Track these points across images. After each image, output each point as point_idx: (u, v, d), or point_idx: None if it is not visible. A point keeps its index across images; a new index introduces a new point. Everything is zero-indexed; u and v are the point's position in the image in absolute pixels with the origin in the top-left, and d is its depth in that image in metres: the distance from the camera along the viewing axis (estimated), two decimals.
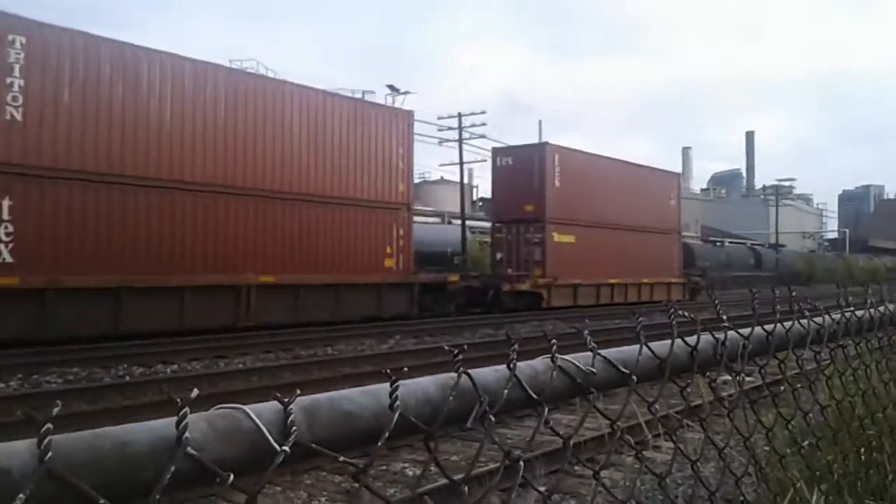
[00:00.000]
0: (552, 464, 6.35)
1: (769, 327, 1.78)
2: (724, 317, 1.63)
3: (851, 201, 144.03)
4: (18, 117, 15.31)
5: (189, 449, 0.66)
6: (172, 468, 0.64)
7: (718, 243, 55.17)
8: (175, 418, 0.65)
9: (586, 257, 27.60)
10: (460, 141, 35.31)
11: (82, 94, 16.13)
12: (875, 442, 2.83)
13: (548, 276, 26.53)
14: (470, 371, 0.98)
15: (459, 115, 36.07)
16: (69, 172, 15.79)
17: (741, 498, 1.83)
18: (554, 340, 1.14)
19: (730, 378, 1.69)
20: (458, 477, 0.93)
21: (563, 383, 1.13)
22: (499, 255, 27.70)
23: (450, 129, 36.97)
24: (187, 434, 0.65)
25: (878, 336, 2.62)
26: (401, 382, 0.86)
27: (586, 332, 1.21)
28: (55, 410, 0.61)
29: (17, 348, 13.96)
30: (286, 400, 0.75)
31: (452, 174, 45.13)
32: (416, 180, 62.36)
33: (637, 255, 30.02)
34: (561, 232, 27.16)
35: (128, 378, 12.56)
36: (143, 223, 17.00)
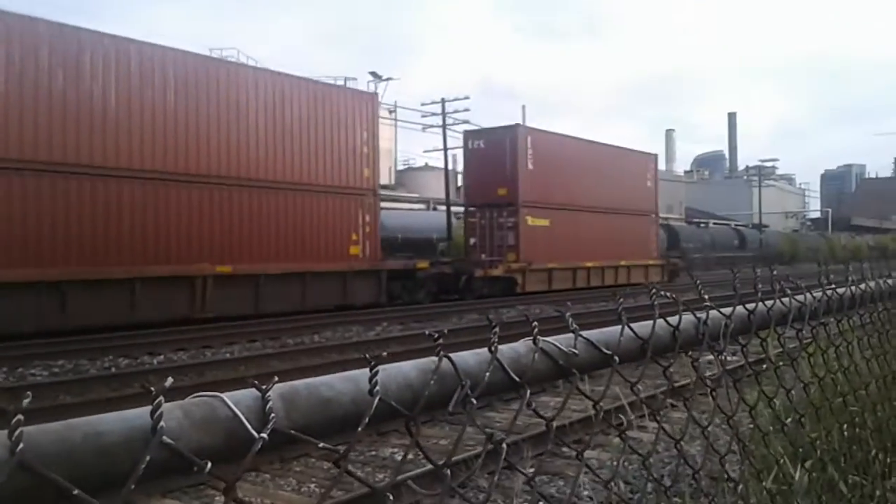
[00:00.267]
0: (540, 446, 6.39)
1: (751, 306, 1.78)
2: (706, 297, 1.64)
3: (833, 181, 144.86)
4: None
5: (164, 438, 0.65)
6: (147, 458, 0.63)
7: (703, 224, 55.49)
8: (149, 407, 0.65)
9: (561, 241, 27.27)
10: (444, 127, 35.21)
11: (19, 79, 15.40)
12: (858, 418, 2.86)
13: (522, 260, 26.18)
14: (451, 355, 0.97)
15: (443, 101, 35.96)
16: (5, 162, 15.12)
17: (725, 476, 1.85)
18: (535, 323, 1.14)
19: (713, 357, 1.70)
20: (440, 461, 0.93)
21: (545, 365, 1.12)
22: (472, 241, 27.24)
23: (433, 115, 36.89)
24: (162, 423, 0.65)
25: (860, 313, 2.64)
26: (381, 367, 0.85)
27: (568, 314, 1.21)
28: (25, 402, 0.60)
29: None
30: (264, 387, 0.74)
31: (437, 160, 45.05)
32: (401, 167, 62.37)
33: (614, 238, 29.73)
34: (535, 215, 26.77)
35: (114, 370, 12.53)
36: (88, 213, 16.30)
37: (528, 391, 1.07)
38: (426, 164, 58.01)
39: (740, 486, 2.06)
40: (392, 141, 52.55)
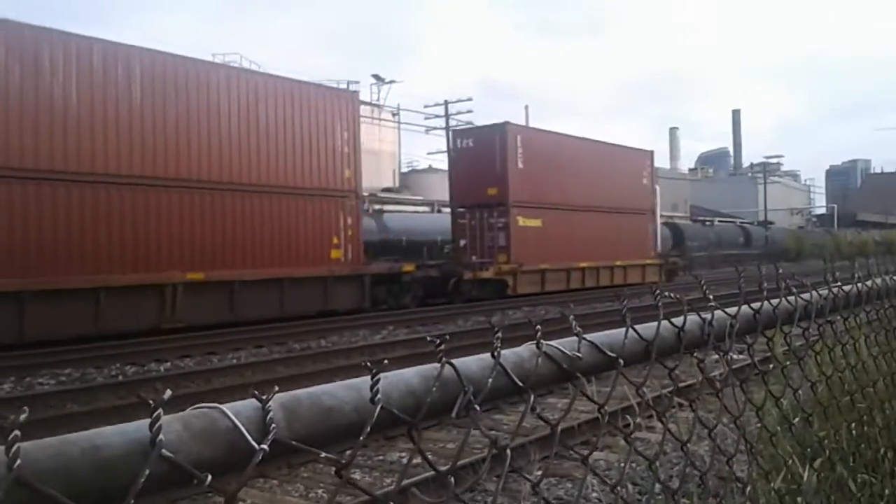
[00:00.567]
0: (547, 448, 6.37)
1: (756, 305, 1.77)
2: (711, 296, 1.63)
3: (839, 176, 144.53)
4: None
5: (164, 451, 0.64)
6: (147, 471, 0.62)
7: (708, 222, 55.34)
8: (148, 420, 0.64)
9: (554, 241, 26.63)
10: (447, 129, 35.26)
11: None
12: (866, 416, 2.84)
13: (513, 262, 25.52)
14: (453, 360, 0.96)
15: (446, 103, 36.04)
16: None
17: (734, 476, 1.83)
18: (539, 326, 1.13)
19: (718, 357, 1.68)
20: (446, 467, 0.92)
21: (548, 369, 1.11)
22: (462, 242, 26.49)
23: (436, 116, 36.96)
24: (161, 436, 0.64)
25: (867, 310, 2.62)
26: (383, 375, 0.84)
27: (571, 316, 1.21)
28: (22, 417, 0.59)
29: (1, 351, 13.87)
30: (264, 397, 0.74)
31: (441, 162, 45.09)
32: (405, 169, 62.39)
33: (609, 237, 29.06)
34: (526, 215, 26.14)
35: (121, 378, 12.55)
36: (49, 220, 15.50)
37: (532, 396, 1.06)
38: (430, 167, 58.05)
39: (748, 488, 2.05)
40: (396, 144, 52.56)
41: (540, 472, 5.00)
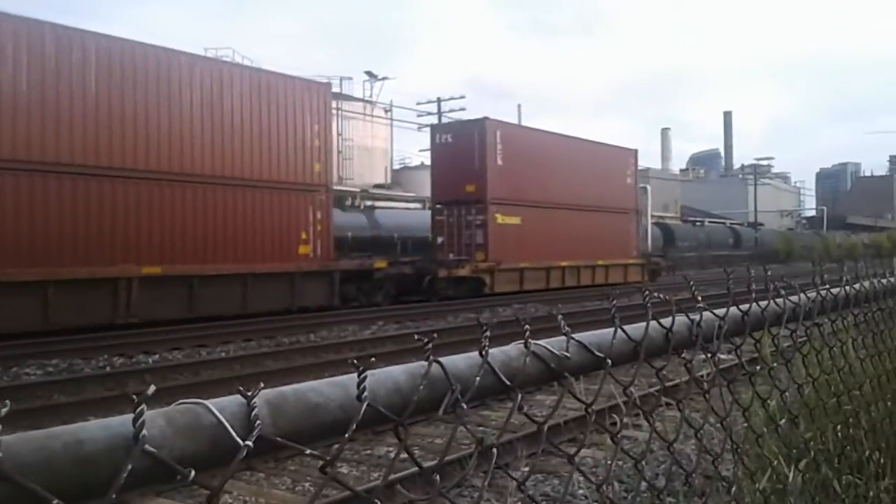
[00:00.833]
0: (534, 445, 6.38)
1: (745, 307, 1.77)
2: (699, 297, 1.63)
3: (829, 179, 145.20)
4: None
5: (146, 446, 0.64)
6: (129, 466, 0.62)
7: (698, 223, 55.53)
8: (132, 415, 0.64)
9: (533, 239, 26.09)
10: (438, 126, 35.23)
11: None
12: (852, 418, 2.85)
13: (490, 259, 24.91)
14: (441, 359, 0.96)
15: (438, 101, 36.07)
16: None
17: (719, 476, 1.84)
18: (527, 326, 1.13)
19: (706, 358, 1.68)
20: (432, 463, 0.92)
21: (536, 368, 1.11)
22: (439, 240, 25.82)
23: (429, 114, 36.98)
24: (144, 431, 0.64)
25: (854, 313, 2.63)
26: (369, 372, 0.84)
27: (560, 316, 1.20)
28: (3, 411, 0.59)
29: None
30: (250, 393, 0.73)
31: None
32: (397, 166, 62.33)
33: (590, 236, 28.51)
34: (505, 213, 25.55)
35: (108, 369, 12.49)
36: None
37: (520, 395, 1.06)
38: (422, 163, 57.98)
39: (734, 487, 2.06)
40: (388, 140, 52.48)
41: (527, 469, 5.00)
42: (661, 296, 1.51)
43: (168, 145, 17.51)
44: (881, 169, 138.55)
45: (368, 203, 30.26)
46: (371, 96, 45.72)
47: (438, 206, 26.31)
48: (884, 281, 2.87)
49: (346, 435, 0.78)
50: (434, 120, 36.25)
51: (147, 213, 17.08)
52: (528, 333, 1.11)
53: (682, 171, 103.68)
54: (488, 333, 1.02)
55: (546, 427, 1.13)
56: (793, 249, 58.71)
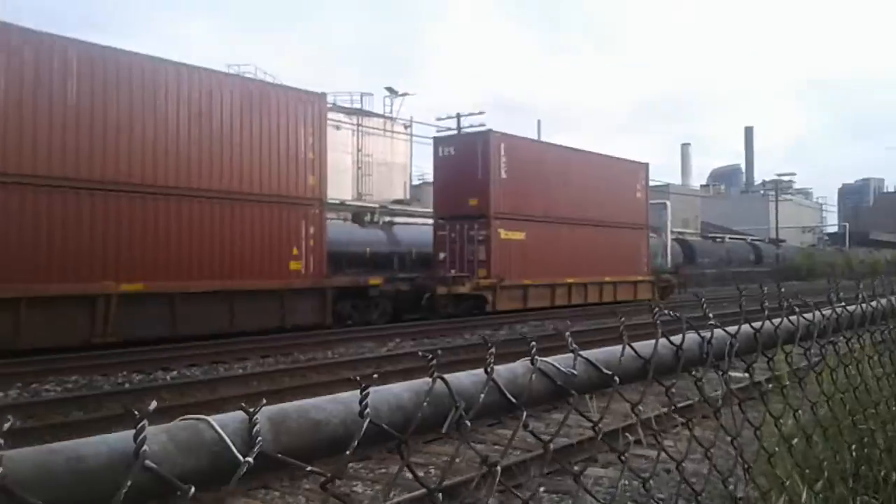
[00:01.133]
0: (552, 463, 6.33)
1: (757, 324, 1.75)
2: (710, 315, 1.61)
3: (851, 195, 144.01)
4: None
5: (147, 462, 0.64)
6: (129, 482, 0.62)
7: (719, 239, 55.17)
8: (133, 431, 0.64)
9: (538, 255, 25.32)
10: None
11: None
12: (868, 438, 2.81)
13: (493, 276, 24.10)
14: (446, 375, 0.96)
15: (458, 116, 36.09)
16: None
17: (731, 496, 1.82)
18: (533, 343, 1.13)
19: (718, 376, 1.66)
20: (433, 486, 0.92)
21: (543, 386, 1.10)
22: (441, 255, 25.03)
23: (449, 129, 37.02)
24: (145, 447, 0.64)
25: (871, 331, 2.60)
26: (373, 389, 0.84)
27: (567, 333, 1.20)
28: (6, 426, 0.60)
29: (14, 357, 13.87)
30: (252, 409, 0.74)
31: None
32: (416, 181, 62.52)
33: (598, 252, 27.69)
34: (508, 228, 24.78)
35: (127, 385, 12.56)
36: None
37: (525, 413, 1.05)
38: None
39: None
40: (408, 156, 52.67)
41: (542, 488, 4.97)
42: (671, 313, 1.50)
43: (153, 157, 16.87)
44: None
45: (387, 219, 30.26)
46: (391, 112, 45.87)
47: (441, 220, 25.68)
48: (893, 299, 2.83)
49: (348, 452, 0.78)
50: None
51: (128, 227, 16.38)
52: (534, 350, 1.11)
53: (702, 186, 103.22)
54: (493, 350, 1.02)
55: (551, 445, 1.12)
56: (814, 266, 58.14)
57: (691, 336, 1.49)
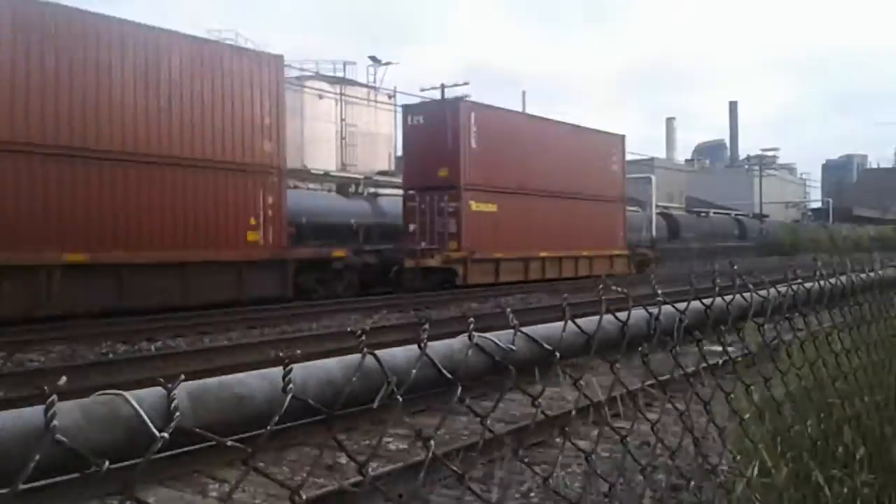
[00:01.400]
0: (534, 435, 6.39)
1: (708, 301, 1.77)
2: (659, 292, 1.63)
3: (835, 171, 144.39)
4: None
5: (58, 436, 0.65)
6: (37, 456, 0.63)
7: (703, 214, 55.38)
8: (47, 403, 0.65)
9: (511, 228, 24.90)
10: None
11: None
12: (836, 410, 2.86)
13: (464, 249, 23.57)
14: (378, 351, 0.97)
15: (442, 86, 35.95)
16: None
17: (703, 460, 1.85)
18: (471, 319, 1.14)
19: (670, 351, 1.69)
20: (362, 458, 0.94)
21: (480, 361, 1.12)
22: (411, 227, 24.42)
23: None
24: (55, 422, 0.65)
25: (831, 308, 2.63)
26: (303, 365, 0.85)
27: (509, 310, 1.21)
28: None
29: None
30: (170, 385, 0.75)
31: None
32: (400, 153, 62.25)
33: (573, 225, 27.29)
34: (479, 200, 24.26)
35: (111, 356, 12.58)
36: None
37: (460, 387, 1.07)
38: None
39: (721, 475, 2.08)
40: (392, 126, 52.43)
41: (509, 466, 5.00)
42: (620, 289, 1.52)
43: (95, 119, 15.95)
44: (888, 161, 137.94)
45: (372, 190, 30.10)
46: (375, 82, 45.48)
47: (410, 191, 25.11)
48: (863, 276, 2.87)
49: (269, 427, 0.79)
50: None
51: (71, 194, 15.56)
52: (472, 325, 1.12)
53: (687, 161, 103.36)
54: (426, 326, 1.03)
55: (488, 421, 1.14)
56: (798, 241, 58.51)
57: (638, 312, 1.51)
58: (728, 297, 1.84)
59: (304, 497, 0.82)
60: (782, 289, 2.14)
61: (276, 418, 0.81)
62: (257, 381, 0.84)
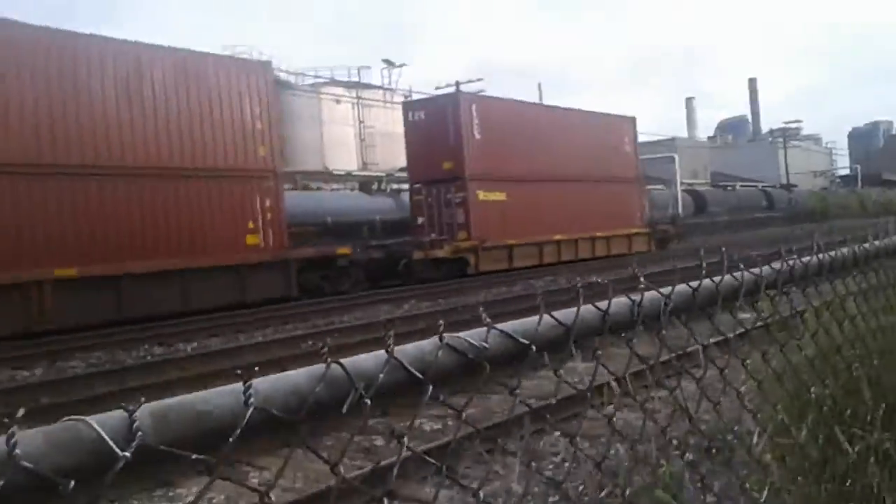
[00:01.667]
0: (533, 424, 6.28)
1: (695, 283, 1.77)
2: (641, 277, 1.63)
3: (861, 138, 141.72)
4: None
5: (23, 462, 0.69)
6: (2, 482, 0.67)
7: (729, 187, 54.85)
8: (7, 434, 0.69)
9: (521, 214, 25.10)
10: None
11: None
12: (855, 371, 2.86)
13: (474, 238, 23.82)
14: (344, 359, 1.00)
15: (457, 84, 35.68)
16: None
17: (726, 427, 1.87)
18: (441, 322, 1.17)
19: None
20: (331, 461, 0.97)
21: (452, 360, 1.14)
22: (419, 220, 24.70)
23: None
24: (17, 450, 0.69)
25: (831, 280, 2.62)
26: (268, 378, 0.89)
27: (481, 308, 1.23)
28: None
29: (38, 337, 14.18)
30: (131, 407, 0.78)
31: None
32: None
33: (587, 208, 27.47)
34: (487, 189, 24.58)
35: (149, 358, 12.84)
36: None
37: (431, 387, 1.09)
38: None
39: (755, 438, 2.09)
40: None
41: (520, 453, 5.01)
42: (603, 280, 1.53)
43: (78, 136, 16.12)
44: None
45: (394, 187, 30.30)
46: (390, 84, 46.09)
47: (416, 185, 25.32)
48: (866, 245, 2.84)
49: (231, 439, 0.83)
50: None
51: (57, 209, 15.69)
52: (441, 328, 1.14)
53: (710, 138, 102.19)
54: (392, 332, 1.06)
55: (464, 415, 1.17)
56: (828, 208, 57.68)
57: (620, 300, 1.51)
58: (717, 279, 1.84)
59: (272, 498, 0.85)
60: (777, 265, 2.13)
61: (239, 430, 0.84)
62: (219, 398, 0.87)
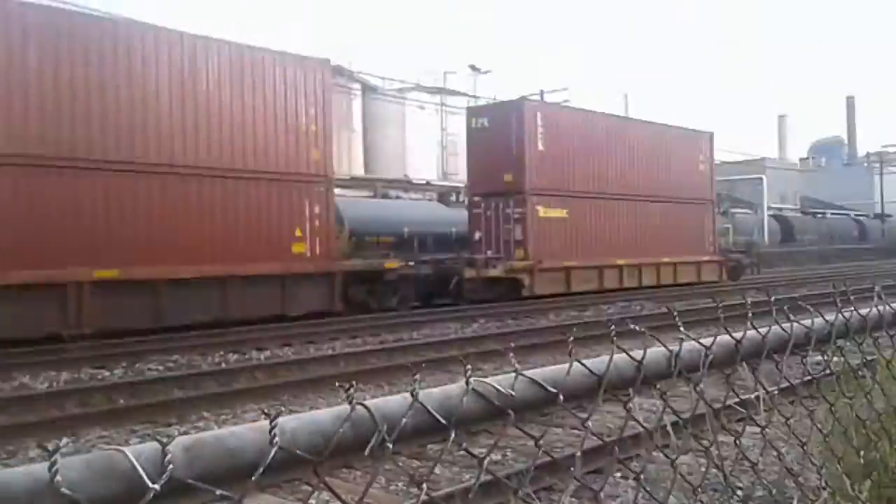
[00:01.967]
0: (546, 475, 6.13)
1: (738, 335, 1.74)
2: (682, 327, 1.61)
3: None
4: None
5: (63, 489, 0.76)
6: None
7: (819, 215, 53.02)
8: (50, 461, 0.76)
9: (583, 235, 23.89)
10: None
11: None
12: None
13: (530, 258, 22.46)
14: (369, 401, 1.04)
15: (541, 93, 35.63)
16: None
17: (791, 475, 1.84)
18: (469, 366, 1.19)
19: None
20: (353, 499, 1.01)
21: (478, 406, 1.16)
22: (477, 235, 23.46)
23: None
24: (58, 477, 0.75)
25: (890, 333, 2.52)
26: (294, 416, 0.94)
27: (511, 354, 1.26)
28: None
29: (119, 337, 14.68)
30: (165, 440, 0.84)
31: None
32: None
33: (654, 231, 25.90)
34: (548, 205, 23.14)
35: (223, 365, 13.17)
36: None
37: (454, 432, 1.12)
38: None
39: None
40: None
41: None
42: (637, 328, 1.52)
43: (129, 131, 15.50)
44: None
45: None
46: (475, 91, 45.94)
47: (475, 198, 23.97)
48: None
49: (253, 478, 0.88)
50: None
51: (103, 208, 15.11)
52: (468, 372, 1.18)
53: (801, 160, 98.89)
54: (418, 377, 1.10)
55: (485, 463, 1.19)
56: None
57: (656, 350, 1.50)
58: (763, 330, 1.81)
59: None
60: (830, 317, 2.07)
61: (262, 469, 0.89)
62: (250, 434, 0.93)
